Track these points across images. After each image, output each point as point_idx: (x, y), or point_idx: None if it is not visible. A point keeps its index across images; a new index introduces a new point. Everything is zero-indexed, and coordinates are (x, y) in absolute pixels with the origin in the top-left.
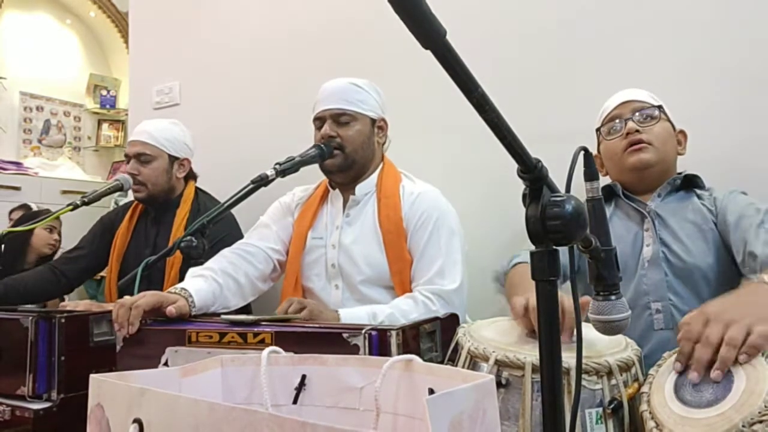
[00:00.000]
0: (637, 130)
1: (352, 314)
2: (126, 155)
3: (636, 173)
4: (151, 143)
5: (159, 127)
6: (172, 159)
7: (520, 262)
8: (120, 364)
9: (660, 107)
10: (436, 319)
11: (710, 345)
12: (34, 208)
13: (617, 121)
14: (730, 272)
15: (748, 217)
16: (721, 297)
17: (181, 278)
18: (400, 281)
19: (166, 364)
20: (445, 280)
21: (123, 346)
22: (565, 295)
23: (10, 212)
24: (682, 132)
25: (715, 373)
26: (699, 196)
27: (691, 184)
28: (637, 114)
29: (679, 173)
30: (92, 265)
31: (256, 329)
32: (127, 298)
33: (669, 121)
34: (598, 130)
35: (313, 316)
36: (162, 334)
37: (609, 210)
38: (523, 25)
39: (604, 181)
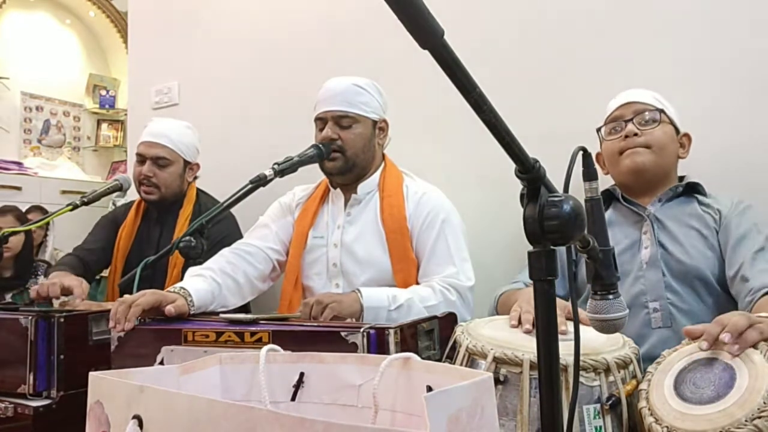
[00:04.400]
0: (636, 134)
1: (372, 293)
2: (139, 155)
3: (631, 176)
4: (171, 147)
5: (178, 132)
6: (186, 164)
7: (503, 292)
8: (115, 364)
9: (662, 111)
10: (434, 317)
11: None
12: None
13: (618, 122)
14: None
15: (750, 240)
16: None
17: (183, 279)
18: (403, 280)
19: (161, 363)
20: (460, 275)
21: (118, 345)
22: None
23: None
24: (686, 135)
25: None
26: (700, 202)
27: (692, 190)
28: (638, 116)
29: (681, 178)
30: (108, 257)
31: (253, 328)
32: (127, 296)
33: (672, 124)
34: (598, 129)
35: (340, 311)
36: (157, 334)
37: (607, 214)
38: (522, 24)
39: (607, 180)
